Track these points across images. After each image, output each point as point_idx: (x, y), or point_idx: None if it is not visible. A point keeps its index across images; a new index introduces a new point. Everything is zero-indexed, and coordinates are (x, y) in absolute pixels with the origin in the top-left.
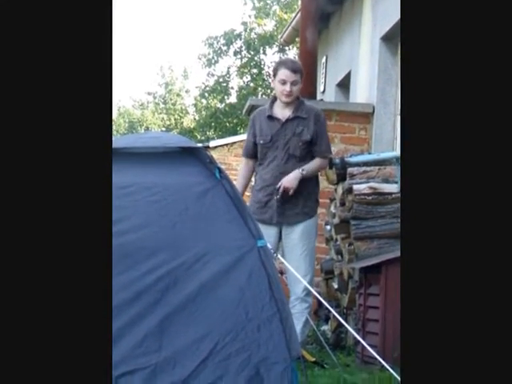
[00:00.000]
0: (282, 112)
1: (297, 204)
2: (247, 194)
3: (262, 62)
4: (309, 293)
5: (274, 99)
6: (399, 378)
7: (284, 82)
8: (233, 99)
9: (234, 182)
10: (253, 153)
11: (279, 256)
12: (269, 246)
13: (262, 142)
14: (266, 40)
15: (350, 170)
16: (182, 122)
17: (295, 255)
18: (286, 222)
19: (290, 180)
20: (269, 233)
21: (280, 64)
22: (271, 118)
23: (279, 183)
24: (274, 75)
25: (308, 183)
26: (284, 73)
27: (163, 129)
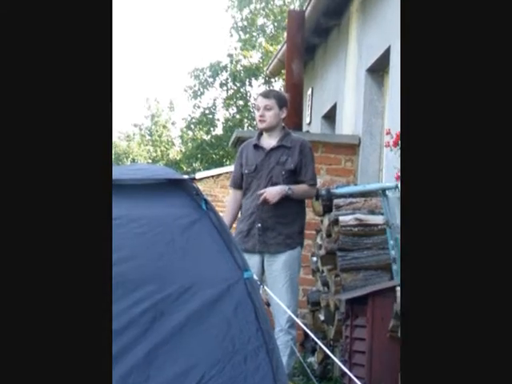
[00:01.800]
0: (268, 142)
1: (279, 233)
2: (235, 225)
3: (248, 94)
4: (292, 325)
5: (262, 132)
6: None
7: (258, 108)
8: (219, 131)
9: (221, 214)
10: (240, 183)
11: (265, 287)
12: (255, 277)
13: (246, 171)
14: (252, 72)
15: (335, 201)
16: (168, 154)
17: (277, 287)
18: (268, 251)
19: (273, 192)
20: (252, 262)
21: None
22: (257, 147)
23: (263, 190)
24: None
25: (291, 214)
26: (257, 99)
27: (149, 161)
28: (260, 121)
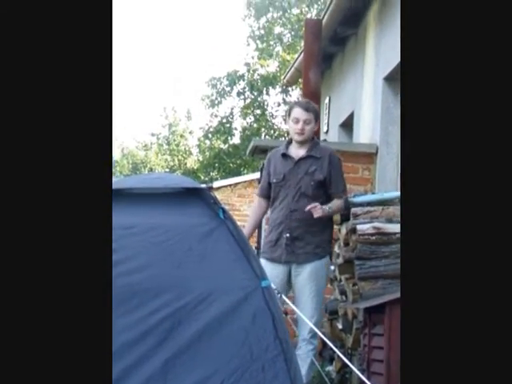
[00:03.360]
0: (297, 151)
1: (308, 242)
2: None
3: (266, 103)
4: (314, 335)
5: (290, 141)
6: None
7: (297, 121)
8: (236, 140)
9: (238, 223)
10: (267, 192)
11: (283, 296)
12: (273, 286)
13: (275, 180)
14: (269, 81)
15: (353, 209)
16: (186, 163)
17: (303, 297)
18: (296, 261)
19: (319, 212)
20: (278, 272)
21: (293, 104)
22: (285, 156)
23: (314, 204)
24: (288, 115)
25: (320, 223)
26: (297, 111)
27: (167, 170)
28: (299, 134)
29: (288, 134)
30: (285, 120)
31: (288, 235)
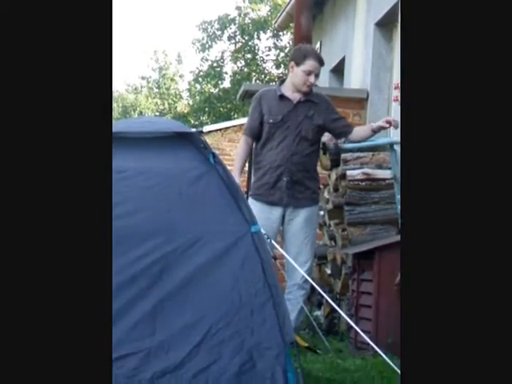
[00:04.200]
0: (293, 94)
1: (307, 187)
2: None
3: (256, 47)
4: (306, 280)
5: (282, 82)
6: (392, 364)
7: (309, 73)
8: (227, 84)
9: (229, 168)
10: (256, 132)
11: (273, 241)
12: (263, 231)
13: (271, 121)
14: (260, 25)
15: (343, 155)
16: (176, 107)
17: (297, 241)
18: (294, 205)
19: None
20: (273, 215)
21: (307, 54)
22: (282, 97)
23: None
24: (297, 63)
25: (313, 169)
26: (312, 64)
27: (157, 113)
28: (308, 86)
29: (278, 78)
30: (284, 64)
31: (288, 178)
